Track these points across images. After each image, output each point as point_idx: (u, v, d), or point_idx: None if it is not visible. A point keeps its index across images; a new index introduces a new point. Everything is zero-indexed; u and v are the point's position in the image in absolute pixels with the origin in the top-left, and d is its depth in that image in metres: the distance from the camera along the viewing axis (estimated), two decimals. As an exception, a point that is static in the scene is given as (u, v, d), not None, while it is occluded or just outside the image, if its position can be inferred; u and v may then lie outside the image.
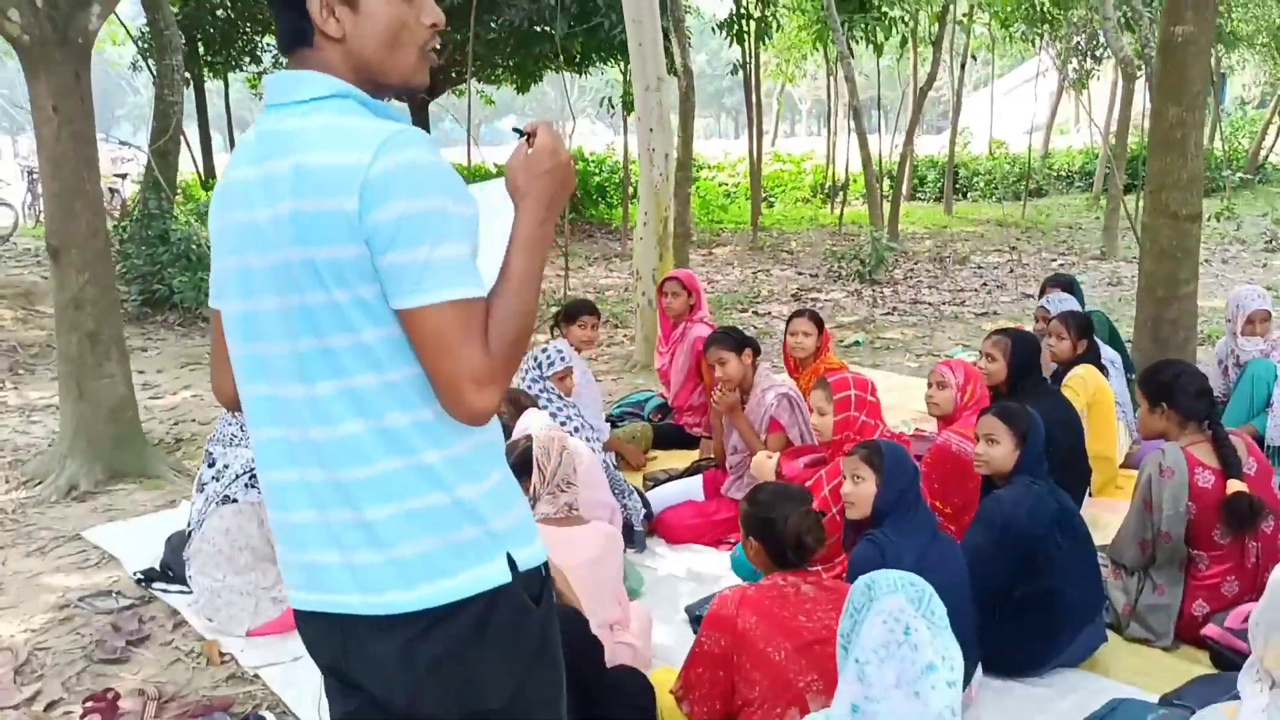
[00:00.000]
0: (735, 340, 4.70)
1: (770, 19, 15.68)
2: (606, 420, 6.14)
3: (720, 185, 22.61)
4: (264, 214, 1.49)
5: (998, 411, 3.57)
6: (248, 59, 19.44)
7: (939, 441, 4.14)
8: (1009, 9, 15.76)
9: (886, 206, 14.96)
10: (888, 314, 9.99)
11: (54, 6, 5.10)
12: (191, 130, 20.92)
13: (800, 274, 12.73)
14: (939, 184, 22.09)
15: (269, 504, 1.64)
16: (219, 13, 17.93)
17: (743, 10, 14.99)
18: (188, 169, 19.31)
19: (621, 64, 15.54)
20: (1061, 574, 3.34)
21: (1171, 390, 3.71)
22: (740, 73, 15.95)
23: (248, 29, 18.44)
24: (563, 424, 4.48)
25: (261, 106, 1.62)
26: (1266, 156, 23.32)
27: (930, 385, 4.35)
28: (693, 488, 4.86)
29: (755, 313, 10.12)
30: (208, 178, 20.45)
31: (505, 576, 1.56)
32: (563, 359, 4.61)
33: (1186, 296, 6.36)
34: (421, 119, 20.47)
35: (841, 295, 11.06)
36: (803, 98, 63.87)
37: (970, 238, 16.09)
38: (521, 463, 3.13)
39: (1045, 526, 3.34)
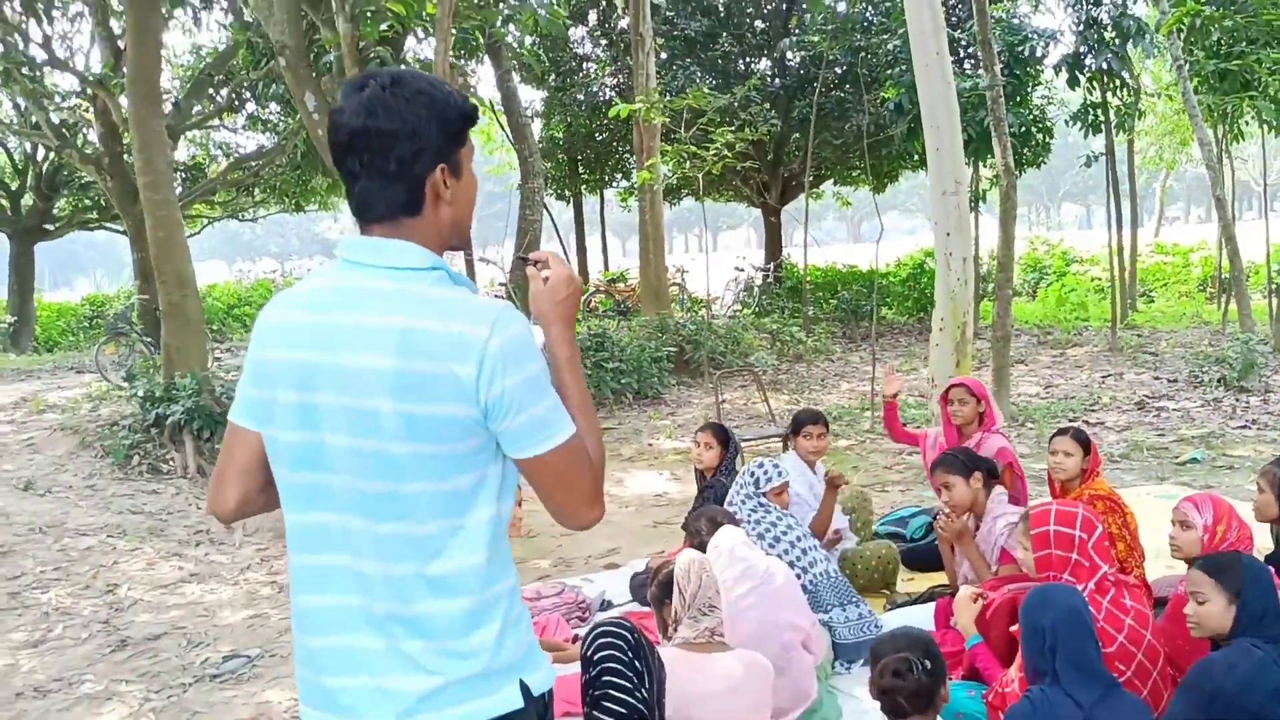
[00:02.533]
0: (964, 462, 4.46)
1: (1128, 108, 14.62)
2: (874, 534, 5.98)
3: (1093, 280, 21.08)
4: (353, 360, 1.64)
5: (1204, 565, 3.12)
6: (619, 175, 21.21)
7: (1179, 592, 3.64)
8: None
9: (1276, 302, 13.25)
10: (1243, 427, 8.81)
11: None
12: (569, 240, 23.12)
13: (1157, 379, 11.55)
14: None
15: (298, 627, 1.79)
16: (597, 136, 19.79)
17: (1095, 100, 14.12)
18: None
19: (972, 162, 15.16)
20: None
21: None
22: (1091, 165, 14.96)
23: (620, 149, 20.16)
24: (777, 540, 4.47)
25: (335, 260, 1.79)
26: None
27: (1174, 524, 3.85)
28: (924, 616, 4.61)
29: (1086, 422, 9.34)
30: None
31: (518, 702, 1.71)
32: (779, 474, 4.61)
33: None
34: (774, 225, 21.13)
35: (1195, 404, 9.90)
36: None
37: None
38: (665, 586, 3.21)
39: (1263, 700, 2.86)
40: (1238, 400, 9.93)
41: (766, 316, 16.36)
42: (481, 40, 13.27)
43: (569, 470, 1.70)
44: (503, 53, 14.35)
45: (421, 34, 8.69)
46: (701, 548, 4.15)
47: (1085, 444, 4.90)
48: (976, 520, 4.49)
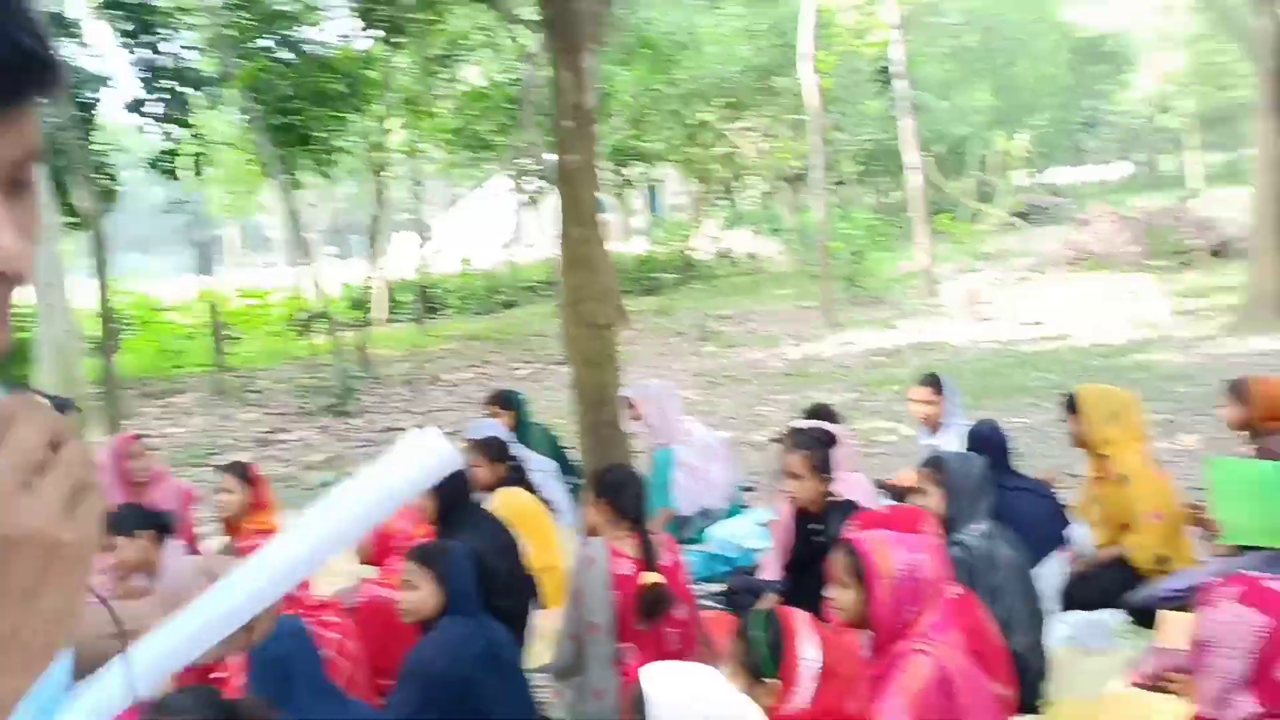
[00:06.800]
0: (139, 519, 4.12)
1: (200, 155, 14.94)
2: None
3: (183, 327, 21.00)
4: None
5: (413, 554, 3.43)
6: None
7: (362, 599, 3.92)
8: (446, 138, 16.54)
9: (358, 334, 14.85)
10: (359, 447, 9.71)
11: None
12: None
13: (269, 414, 12.05)
14: (414, 304, 22.42)
15: None
16: None
17: (170, 148, 14.15)
18: None
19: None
20: (498, 713, 3.26)
21: (614, 489, 3.92)
22: (173, 212, 15.00)
23: None
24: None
25: None
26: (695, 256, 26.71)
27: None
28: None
29: (214, 467, 9.31)
30: None
31: None
32: None
33: (613, 399, 6.84)
34: None
35: (311, 432, 10.60)
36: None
37: (446, 355, 16.40)
38: None
39: (472, 665, 3.23)
40: (346, 425, 10.88)
41: None
42: None
43: None
44: None
45: None
46: None
47: (246, 478, 4.93)
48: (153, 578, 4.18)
